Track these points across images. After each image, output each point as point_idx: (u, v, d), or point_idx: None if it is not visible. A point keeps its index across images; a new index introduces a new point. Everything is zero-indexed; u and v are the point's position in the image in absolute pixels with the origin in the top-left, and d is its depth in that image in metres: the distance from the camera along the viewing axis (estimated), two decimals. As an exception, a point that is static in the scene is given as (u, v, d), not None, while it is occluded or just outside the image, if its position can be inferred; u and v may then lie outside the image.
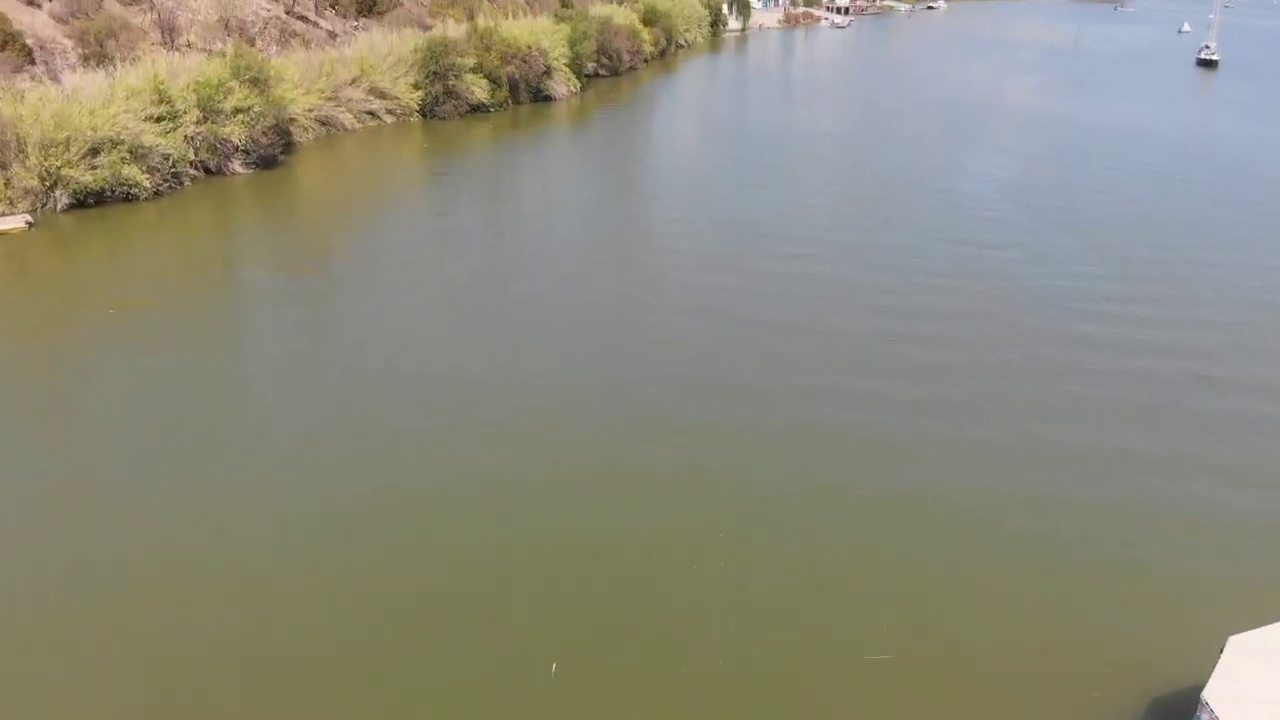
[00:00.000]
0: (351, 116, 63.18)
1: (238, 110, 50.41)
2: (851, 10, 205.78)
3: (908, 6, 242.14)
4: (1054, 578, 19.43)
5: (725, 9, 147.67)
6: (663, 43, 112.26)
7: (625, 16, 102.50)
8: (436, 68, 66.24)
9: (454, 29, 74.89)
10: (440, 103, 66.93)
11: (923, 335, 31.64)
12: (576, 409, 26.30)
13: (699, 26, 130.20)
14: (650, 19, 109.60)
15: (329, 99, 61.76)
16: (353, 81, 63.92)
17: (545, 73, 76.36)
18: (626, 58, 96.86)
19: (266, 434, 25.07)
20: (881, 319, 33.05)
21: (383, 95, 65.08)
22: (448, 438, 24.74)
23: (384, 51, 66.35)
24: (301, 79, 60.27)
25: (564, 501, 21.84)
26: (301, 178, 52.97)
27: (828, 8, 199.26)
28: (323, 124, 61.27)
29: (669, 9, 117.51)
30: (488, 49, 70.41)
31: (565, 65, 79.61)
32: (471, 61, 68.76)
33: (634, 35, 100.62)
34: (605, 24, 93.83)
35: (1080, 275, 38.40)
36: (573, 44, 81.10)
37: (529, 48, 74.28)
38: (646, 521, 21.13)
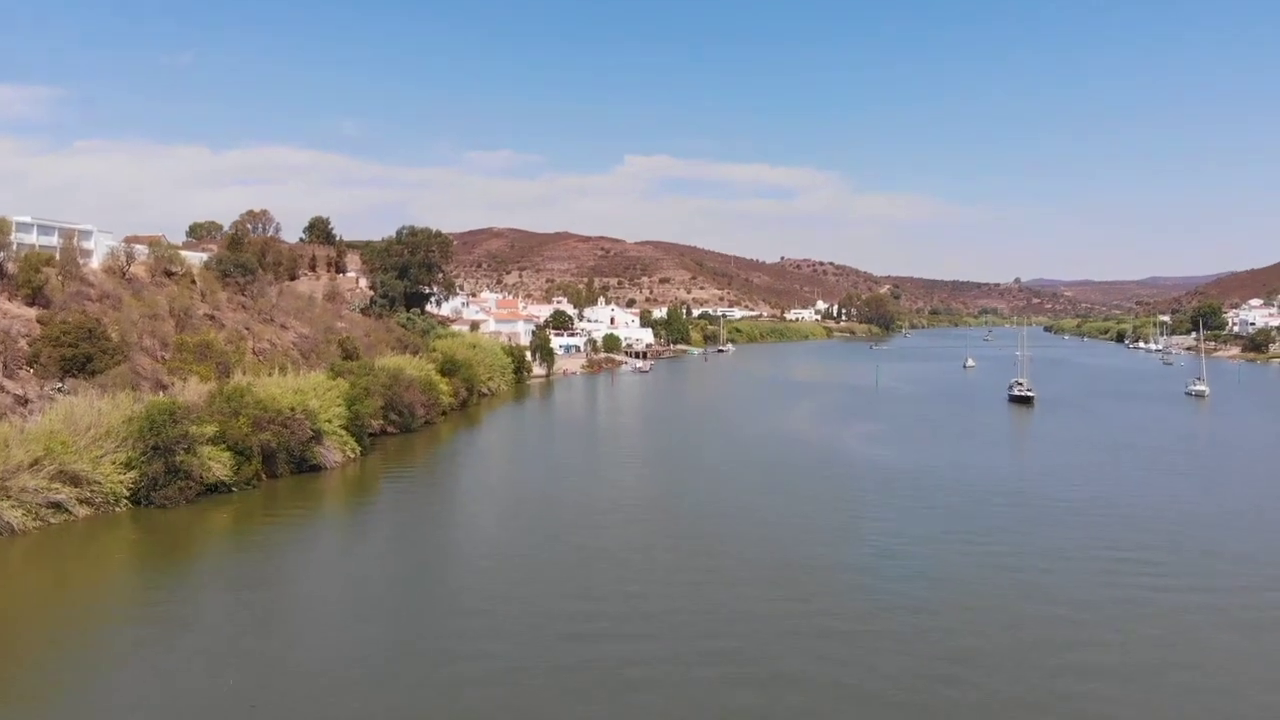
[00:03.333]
0: (23, 513, 45.32)
1: None
2: (649, 354, 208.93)
3: (700, 350, 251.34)
4: None
5: (529, 355, 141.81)
6: (463, 393, 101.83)
7: (419, 368, 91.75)
8: (158, 440, 50.18)
9: (197, 389, 60.08)
10: (161, 485, 50.19)
11: None
12: None
13: (502, 374, 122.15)
14: (449, 369, 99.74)
15: (-12, 491, 44.12)
16: (33, 464, 46.73)
17: (313, 438, 61.71)
18: (421, 412, 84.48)
19: None
20: None
21: (76, 481, 47.89)
22: None
23: (86, 423, 50.02)
24: (-51, 465, 42.85)
25: None
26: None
27: (627, 353, 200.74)
28: (-26, 527, 43.17)
29: (469, 358, 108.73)
30: (236, 413, 55.46)
31: (340, 427, 65.49)
32: (211, 430, 53.29)
33: (429, 388, 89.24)
34: (395, 376, 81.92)
35: None
36: (351, 402, 67.60)
37: (292, 409, 59.86)
38: None
